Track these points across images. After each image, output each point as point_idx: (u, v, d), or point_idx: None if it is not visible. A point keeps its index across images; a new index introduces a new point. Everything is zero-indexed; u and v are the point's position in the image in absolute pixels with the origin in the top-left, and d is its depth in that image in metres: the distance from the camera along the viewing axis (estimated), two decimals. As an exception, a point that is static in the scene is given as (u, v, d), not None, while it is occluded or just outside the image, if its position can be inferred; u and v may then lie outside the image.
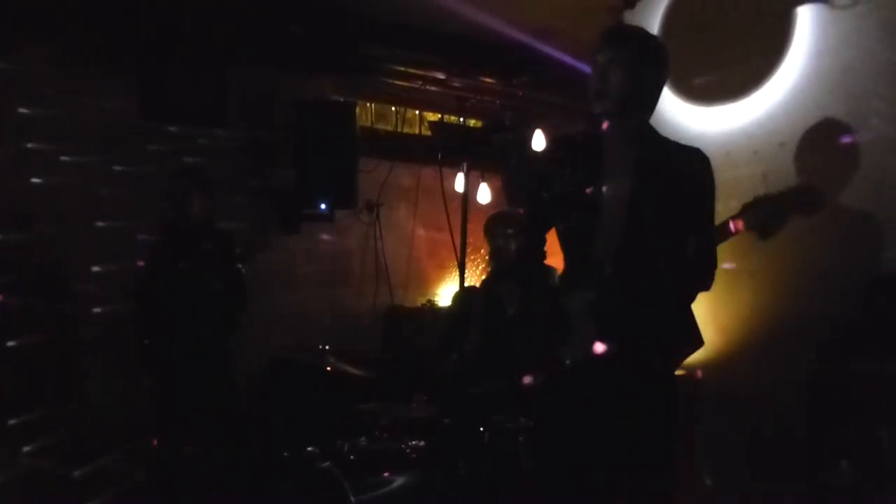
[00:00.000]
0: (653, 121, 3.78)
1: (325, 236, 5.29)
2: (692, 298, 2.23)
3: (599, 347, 2.09)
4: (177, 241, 3.54)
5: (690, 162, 2.16)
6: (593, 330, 2.10)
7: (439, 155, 2.81)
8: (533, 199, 2.37)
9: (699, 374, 3.51)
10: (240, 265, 3.46)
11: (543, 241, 2.39)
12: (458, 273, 2.98)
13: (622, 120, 2.16)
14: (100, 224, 4.15)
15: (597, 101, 2.14)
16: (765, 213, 2.12)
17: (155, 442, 3.50)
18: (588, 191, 2.16)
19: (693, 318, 2.26)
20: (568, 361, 2.16)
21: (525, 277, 2.51)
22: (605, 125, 2.20)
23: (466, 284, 2.65)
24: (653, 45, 2.19)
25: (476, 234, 3.75)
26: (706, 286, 2.18)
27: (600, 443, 2.14)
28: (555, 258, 2.43)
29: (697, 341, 2.26)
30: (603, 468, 2.14)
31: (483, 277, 4.31)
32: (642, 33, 2.24)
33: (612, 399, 2.11)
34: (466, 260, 2.28)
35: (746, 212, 2.15)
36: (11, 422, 3.76)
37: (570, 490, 2.20)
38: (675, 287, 2.13)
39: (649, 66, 2.14)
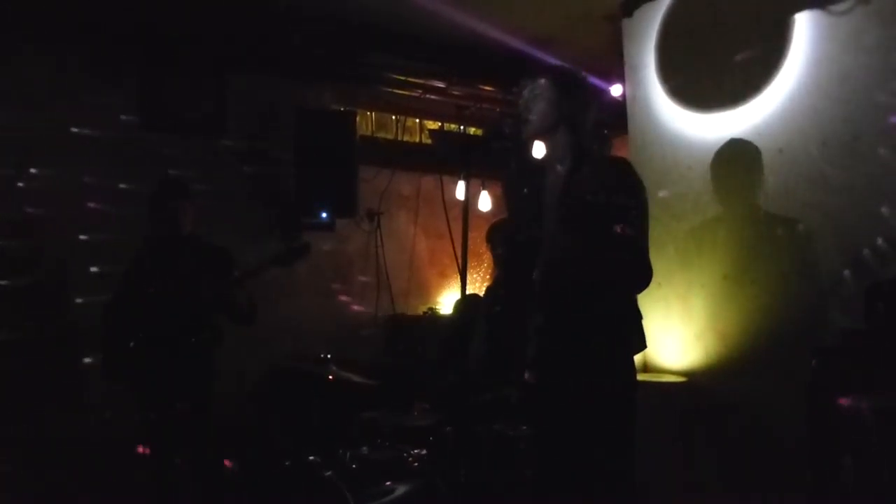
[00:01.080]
0: (651, 127, 3.81)
1: (325, 245, 5.29)
2: (631, 297, 2.40)
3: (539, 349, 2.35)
4: (163, 253, 3.46)
5: (612, 171, 2.39)
6: (542, 337, 2.36)
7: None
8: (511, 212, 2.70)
9: (699, 378, 3.51)
10: (233, 279, 3.38)
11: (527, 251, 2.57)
12: (458, 280, 2.96)
13: (545, 139, 2.48)
14: (99, 232, 4.16)
15: (524, 125, 2.50)
16: None
17: (144, 450, 3.44)
18: (528, 206, 2.53)
19: (638, 320, 2.41)
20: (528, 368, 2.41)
21: (513, 286, 2.75)
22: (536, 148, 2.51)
23: (468, 292, 2.67)
24: (565, 76, 2.54)
25: (477, 242, 3.75)
26: (643, 283, 2.33)
27: (565, 443, 2.35)
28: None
29: (642, 343, 2.42)
30: (570, 467, 2.34)
31: (486, 285, 4.32)
32: (557, 68, 2.59)
33: (571, 402, 2.32)
34: (466, 268, 2.29)
35: None
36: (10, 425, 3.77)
37: (543, 491, 2.40)
38: (608, 284, 2.31)
39: (563, 93, 2.47)
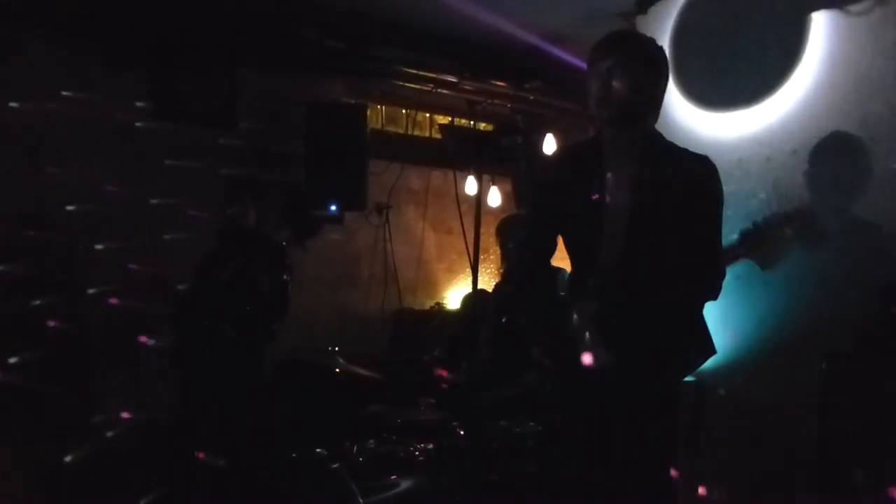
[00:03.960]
0: (665, 126, 3.77)
1: (334, 238, 5.29)
2: (700, 306, 2.21)
3: (605, 356, 2.10)
4: (230, 246, 3.60)
5: (697, 170, 2.14)
6: (598, 338, 2.10)
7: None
8: (535, 204, 2.37)
9: (710, 380, 3.50)
10: (286, 276, 3.49)
11: (548, 245, 2.38)
12: (465, 276, 2.92)
13: (627, 127, 2.14)
14: (111, 222, 4.17)
15: (600, 108, 2.12)
16: (765, 246, 2.09)
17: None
18: (593, 199, 2.14)
19: (705, 327, 2.24)
20: (576, 368, 2.16)
21: (524, 280, 2.48)
22: (610, 132, 2.19)
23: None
24: (654, 50, 2.16)
25: (485, 238, 3.74)
26: (713, 295, 2.16)
27: (603, 449, 2.15)
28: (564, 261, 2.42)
29: (709, 350, 2.24)
30: (606, 474, 2.15)
31: (495, 280, 4.31)
32: (643, 38, 2.22)
33: (617, 407, 2.11)
34: (478, 262, 2.28)
35: (746, 242, 2.12)
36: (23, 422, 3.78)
37: (575, 495, 2.22)
38: (681, 295, 2.10)
39: (652, 70, 2.12)
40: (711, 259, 2.10)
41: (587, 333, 2.12)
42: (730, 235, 2.57)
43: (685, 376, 2.29)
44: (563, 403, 2.29)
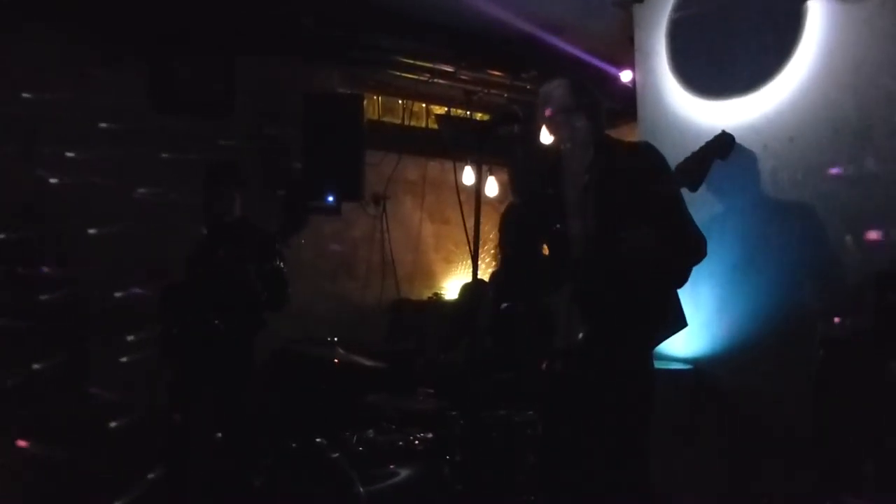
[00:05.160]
0: (661, 115, 3.80)
1: (331, 229, 5.29)
2: (688, 272, 2.41)
3: (585, 330, 2.35)
4: (217, 236, 3.55)
5: (642, 153, 2.50)
6: (576, 321, 2.38)
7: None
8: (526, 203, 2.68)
9: (708, 368, 3.51)
10: (279, 262, 3.47)
11: (538, 237, 2.73)
12: (463, 266, 2.91)
13: (567, 126, 2.57)
14: (107, 214, 4.15)
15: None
16: (694, 171, 2.49)
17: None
18: (554, 194, 2.56)
19: (678, 300, 2.46)
20: (557, 350, 2.46)
21: (519, 270, 2.75)
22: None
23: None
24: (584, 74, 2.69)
25: (483, 228, 3.74)
26: (701, 256, 2.40)
27: (582, 424, 2.42)
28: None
29: (682, 322, 2.47)
30: (584, 449, 2.42)
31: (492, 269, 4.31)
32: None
33: (595, 383, 2.38)
34: (478, 252, 2.29)
35: (680, 174, 2.50)
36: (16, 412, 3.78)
37: (562, 470, 2.49)
38: (670, 265, 2.34)
39: (588, 86, 2.61)
40: (683, 225, 2.36)
41: (571, 312, 2.40)
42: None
43: (658, 344, 2.50)
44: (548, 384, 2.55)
